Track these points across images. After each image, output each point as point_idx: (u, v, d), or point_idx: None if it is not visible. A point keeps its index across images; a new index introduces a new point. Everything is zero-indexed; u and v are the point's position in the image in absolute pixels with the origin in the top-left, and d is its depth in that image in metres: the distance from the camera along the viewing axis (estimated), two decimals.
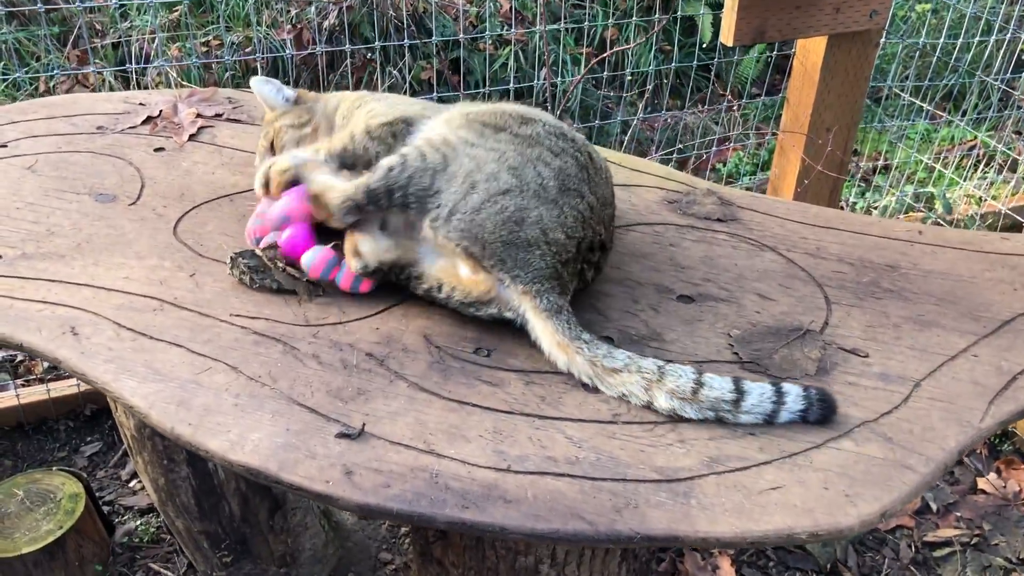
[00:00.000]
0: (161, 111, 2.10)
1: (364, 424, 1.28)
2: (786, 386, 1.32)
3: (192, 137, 2.02)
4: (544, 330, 1.39)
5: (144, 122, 2.07)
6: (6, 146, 1.94)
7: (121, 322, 1.45)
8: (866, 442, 1.29)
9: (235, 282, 1.55)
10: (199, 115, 2.09)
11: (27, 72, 4.34)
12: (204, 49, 4.62)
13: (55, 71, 3.95)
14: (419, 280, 1.50)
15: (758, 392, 1.30)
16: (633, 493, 1.19)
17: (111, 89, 4.37)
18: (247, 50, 4.61)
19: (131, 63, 4.32)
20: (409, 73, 4.60)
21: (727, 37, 2.87)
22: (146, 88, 4.37)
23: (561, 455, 1.24)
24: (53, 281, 1.53)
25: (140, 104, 2.15)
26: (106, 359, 1.37)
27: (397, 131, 1.64)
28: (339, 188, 1.53)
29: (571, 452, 1.25)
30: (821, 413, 1.31)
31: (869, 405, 1.36)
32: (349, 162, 1.63)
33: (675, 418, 1.32)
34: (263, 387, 1.34)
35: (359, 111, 1.74)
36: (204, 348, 1.40)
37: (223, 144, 2.01)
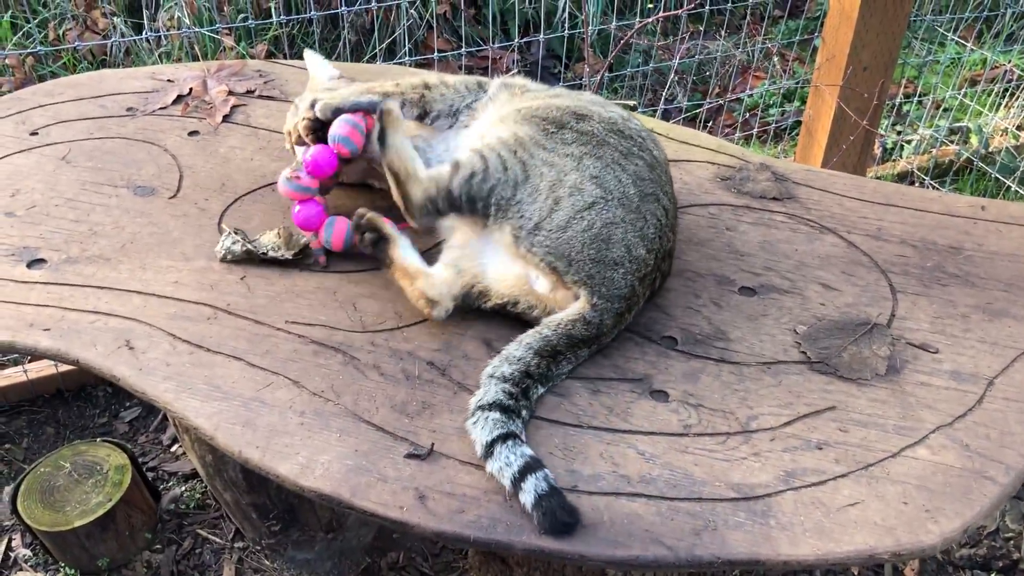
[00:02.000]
0: (191, 89, 2.03)
1: (433, 444, 1.26)
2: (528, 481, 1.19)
3: (226, 118, 1.96)
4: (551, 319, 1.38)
5: (175, 101, 2.01)
6: (37, 134, 1.89)
7: (176, 333, 1.42)
8: (942, 450, 1.27)
9: (289, 285, 1.52)
10: (230, 92, 2.03)
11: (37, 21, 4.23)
12: None
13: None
14: (485, 297, 1.46)
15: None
16: (711, 513, 1.18)
17: (122, 35, 4.27)
18: None
19: (144, 8, 4.20)
20: (426, 10, 4.45)
21: None
22: (158, 33, 4.27)
23: (635, 473, 1.23)
24: (102, 288, 1.51)
25: (168, 81, 2.08)
26: (165, 376, 1.35)
27: (470, 86, 1.63)
28: (422, 182, 1.45)
29: (644, 469, 1.23)
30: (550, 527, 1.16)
31: (943, 408, 1.34)
32: (424, 110, 1.61)
33: (747, 429, 1.30)
34: (327, 403, 1.32)
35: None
36: (264, 361, 1.38)
37: (258, 125, 1.95)
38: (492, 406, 1.25)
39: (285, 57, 4.22)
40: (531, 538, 1.15)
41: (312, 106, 1.58)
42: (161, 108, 1.99)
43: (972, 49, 4.47)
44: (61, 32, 4.36)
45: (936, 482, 1.22)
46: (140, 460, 2.73)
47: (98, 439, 2.59)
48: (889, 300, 1.53)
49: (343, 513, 2.46)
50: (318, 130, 1.58)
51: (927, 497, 1.20)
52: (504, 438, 1.21)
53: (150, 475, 2.75)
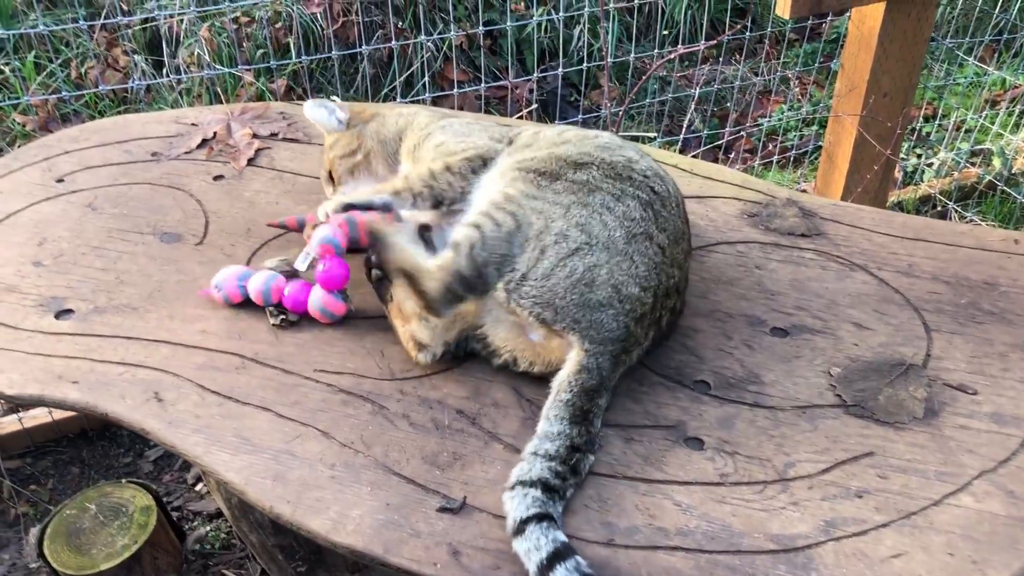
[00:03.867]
0: (215, 133, 2.04)
1: (465, 497, 1.24)
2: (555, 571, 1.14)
3: (250, 161, 1.96)
4: (562, 382, 1.35)
5: (199, 145, 2.02)
6: (63, 180, 1.90)
7: (205, 384, 1.42)
8: (986, 497, 1.24)
9: (316, 332, 1.52)
10: (254, 135, 2.04)
11: (59, 62, 4.28)
12: (234, 27, 4.53)
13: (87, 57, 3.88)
14: (487, 350, 1.45)
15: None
16: (751, 567, 1.15)
17: (143, 73, 4.31)
18: (277, 26, 4.51)
19: (165, 46, 4.25)
20: (442, 42, 4.48)
21: (783, 9, 2.76)
22: (178, 70, 4.31)
23: (672, 525, 1.21)
24: (130, 339, 1.50)
25: (192, 124, 2.09)
26: (194, 428, 1.35)
27: (476, 167, 1.59)
28: (434, 274, 1.41)
29: (681, 521, 1.21)
30: None
31: (985, 452, 1.31)
32: (437, 200, 1.58)
33: (784, 476, 1.27)
34: (357, 455, 1.31)
35: (426, 143, 1.69)
36: (292, 411, 1.37)
37: (283, 168, 1.95)
38: (536, 483, 1.22)
39: (305, 92, 4.25)
40: None
41: (326, 213, 1.59)
42: (186, 152, 2.00)
43: (990, 71, 4.44)
44: (84, 70, 4.41)
45: (982, 531, 1.20)
46: (165, 500, 2.72)
47: (123, 480, 2.58)
48: (923, 339, 1.51)
49: None
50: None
51: (973, 547, 1.17)
52: (539, 518, 1.18)
53: (175, 515, 2.74)
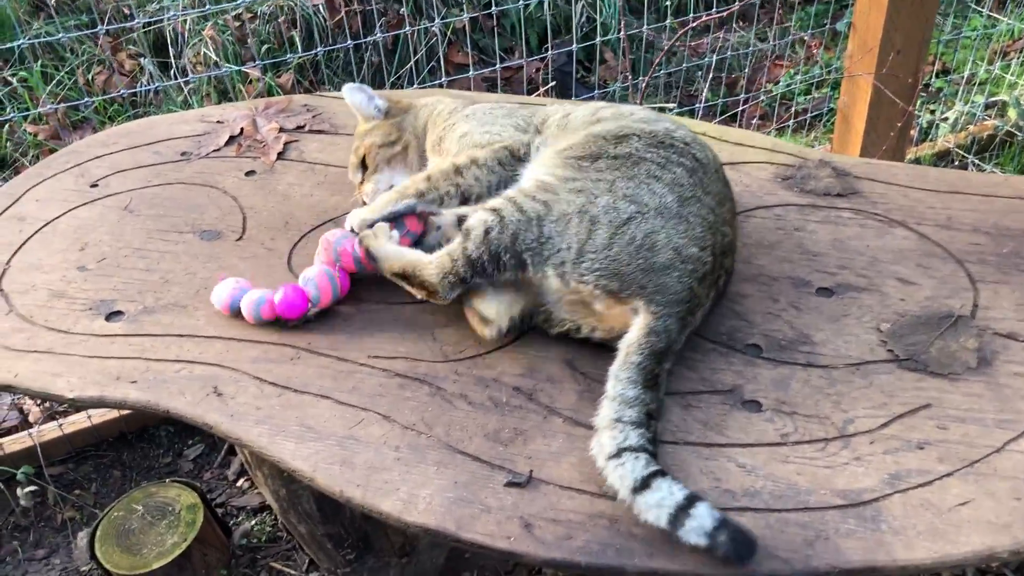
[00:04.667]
0: (242, 129, 2.05)
1: (531, 471, 1.26)
2: (697, 508, 1.15)
3: (280, 155, 1.97)
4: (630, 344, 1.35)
5: (227, 143, 2.03)
6: (97, 185, 1.91)
7: (262, 376, 1.43)
8: None
9: (366, 320, 1.53)
10: (281, 129, 2.04)
11: (65, 69, 4.28)
12: (237, 23, 4.52)
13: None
14: (548, 323, 1.46)
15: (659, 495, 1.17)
16: (820, 523, 1.17)
17: (150, 77, 4.31)
18: (280, 20, 4.51)
19: (170, 47, 4.25)
20: (441, 21, 4.46)
21: None
22: (184, 71, 4.31)
23: (738, 487, 1.22)
24: (183, 336, 1.52)
25: (218, 122, 2.10)
26: (256, 420, 1.36)
27: (503, 159, 1.59)
28: (432, 263, 1.44)
29: (747, 483, 1.22)
30: (728, 555, 1.14)
31: None
32: (465, 197, 1.58)
33: (845, 433, 1.29)
34: (420, 436, 1.32)
35: (450, 134, 1.69)
36: (351, 397, 1.39)
37: (313, 160, 1.96)
38: (639, 450, 1.22)
39: (313, 85, 4.25)
40: (643, 560, 1.14)
41: (352, 230, 1.58)
42: (215, 150, 2.01)
43: (997, 20, 4.42)
44: (90, 76, 4.41)
45: None
46: (208, 497, 2.75)
47: (167, 480, 2.61)
48: (969, 291, 1.51)
49: (415, 536, 2.47)
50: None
51: None
52: (662, 474, 1.19)
53: (219, 511, 2.77)
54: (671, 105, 3.80)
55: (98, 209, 1.84)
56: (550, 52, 3.28)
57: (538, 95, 3.61)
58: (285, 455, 1.31)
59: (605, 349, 1.41)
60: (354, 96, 1.78)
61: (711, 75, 4.30)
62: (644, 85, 2.86)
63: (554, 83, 3.92)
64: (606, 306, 1.39)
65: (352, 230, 1.57)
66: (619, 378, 1.32)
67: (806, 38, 4.78)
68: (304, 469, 1.29)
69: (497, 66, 3.21)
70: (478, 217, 1.44)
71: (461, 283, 1.43)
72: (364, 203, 1.73)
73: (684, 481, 1.22)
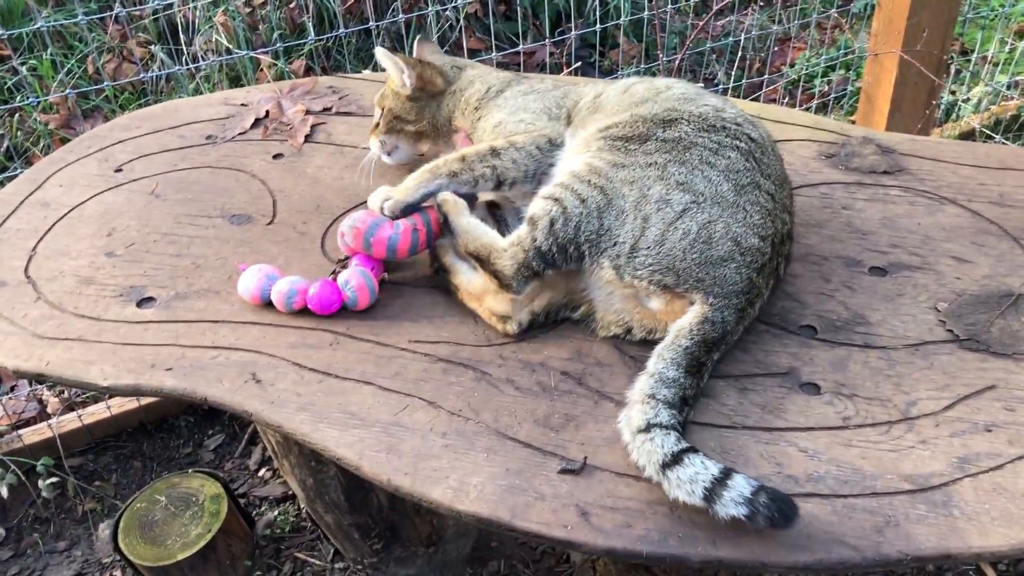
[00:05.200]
0: (267, 111, 2.00)
1: (585, 457, 1.22)
2: (733, 479, 1.11)
3: (307, 138, 1.93)
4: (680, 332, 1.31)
5: (253, 125, 1.98)
6: (121, 170, 1.87)
7: (301, 362, 1.39)
8: None
9: (404, 304, 1.49)
10: (307, 111, 2.00)
11: (75, 57, 4.23)
12: (248, 10, 4.47)
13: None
14: (595, 323, 1.41)
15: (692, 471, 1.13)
16: (889, 508, 1.13)
17: (162, 64, 4.26)
18: (291, 6, 4.46)
19: (181, 33, 4.20)
20: (454, 3, 4.41)
21: None
22: (195, 58, 4.26)
23: (801, 472, 1.18)
24: (217, 322, 1.48)
25: (242, 105, 2.05)
26: (298, 407, 1.32)
27: (541, 145, 1.55)
28: (506, 251, 1.39)
29: (811, 468, 1.18)
30: (771, 517, 1.08)
31: None
32: (500, 180, 1.53)
33: (908, 415, 1.24)
34: (467, 422, 1.28)
35: (482, 123, 1.64)
36: (395, 383, 1.35)
37: (341, 143, 1.92)
38: (670, 428, 1.19)
39: (325, 71, 4.20)
40: (707, 549, 1.10)
41: (382, 207, 1.52)
42: (240, 133, 1.96)
43: (1015, 0, 4.35)
44: (100, 64, 4.37)
45: None
46: (230, 487, 2.71)
47: (190, 470, 2.57)
48: None
49: (443, 525, 2.44)
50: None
51: None
52: (695, 450, 1.15)
53: (241, 501, 2.73)
54: (699, 85, 3.73)
55: (124, 194, 1.80)
56: (573, 32, 3.22)
57: (565, 73, 3.56)
58: (329, 443, 1.27)
59: None
60: (386, 62, 1.75)
61: (728, 57, 4.25)
62: (673, 70, 2.80)
63: (578, 64, 3.86)
64: (664, 302, 1.34)
65: (382, 212, 1.52)
66: (663, 357, 1.28)
67: (824, 20, 4.72)
68: (350, 457, 1.25)
69: (520, 47, 3.15)
70: (540, 206, 1.39)
71: (534, 276, 1.39)
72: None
73: (744, 467, 1.19)
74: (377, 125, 1.78)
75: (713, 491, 1.09)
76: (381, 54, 1.73)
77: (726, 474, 1.10)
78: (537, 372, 1.36)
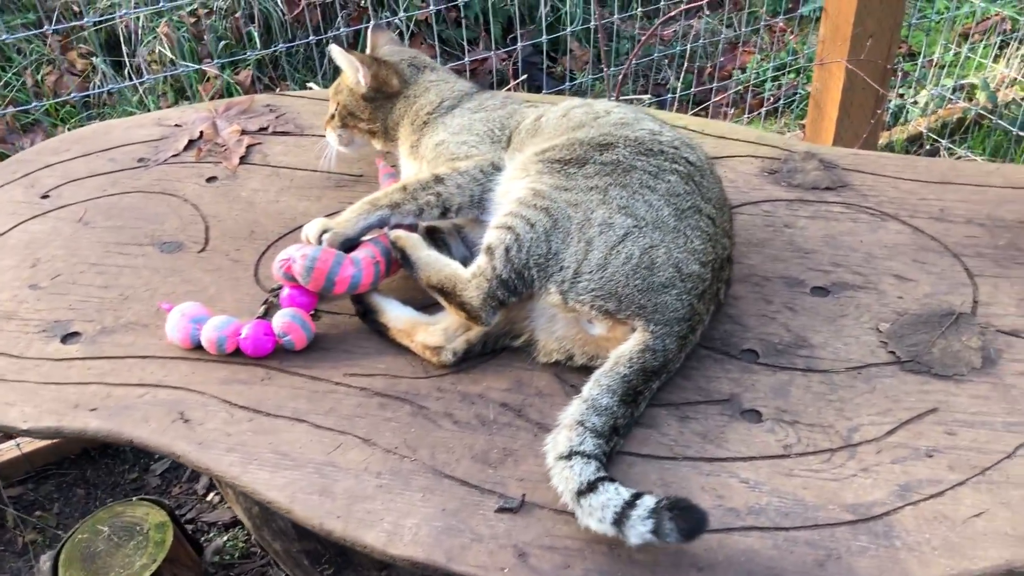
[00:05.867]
0: (202, 132, 1.95)
1: (524, 495, 1.19)
2: (642, 499, 1.09)
3: (243, 160, 1.88)
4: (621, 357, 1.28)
5: (186, 147, 1.92)
6: (48, 196, 1.80)
7: (232, 400, 1.34)
8: None
9: (340, 335, 1.45)
10: (243, 131, 1.95)
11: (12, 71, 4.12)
12: (192, 20, 4.38)
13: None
14: (544, 352, 1.37)
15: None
16: (831, 541, 1.11)
17: (103, 76, 4.16)
18: (235, 15, 4.38)
19: (123, 45, 4.11)
20: (405, 14, 4.36)
21: None
22: (139, 69, 4.17)
23: (742, 505, 1.16)
24: (145, 357, 1.43)
25: (176, 125, 1.99)
26: (227, 447, 1.27)
27: (486, 170, 1.51)
28: (471, 282, 1.35)
29: (752, 500, 1.16)
30: (680, 532, 1.07)
31: None
32: (445, 208, 1.49)
33: (850, 442, 1.23)
34: (403, 460, 1.24)
35: (426, 139, 1.61)
36: (328, 420, 1.30)
37: (278, 164, 1.87)
38: (592, 458, 1.16)
39: (272, 81, 4.13)
40: None
41: (320, 239, 1.46)
42: (173, 156, 1.90)
43: (961, 2, 4.41)
44: (40, 77, 4.25)
45: None
46: (177, 513, 2.64)
47: (134, 498, 2.50)
48: (968, 286, 1.46)
49: None
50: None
51: None
52: (612, 480, 1.13)
53: (189, 527, 2.67)
54: (645, 97, 3.73)
55: (50, 222, 1.74)
56: (520, 43, 3.19)
57: (508, 89, 3.52)
58: (259, 485, 1.22)
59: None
60: (341, 60, 1.71)
61: (679, 62, 4.25)
62: (621, 77, 2.78)
63: (524, 76, 3.83)
64: (606, 327, 1.31)
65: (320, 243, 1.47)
66: (599, 383, 1.25)
67: (774, 24, 4.74)
68: (280, 500, 1.20)
69: (466, 59, 3.11)
70: (495, 235, 1.35)
71: (500, 306, 1.35)
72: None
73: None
74: (332, 117, 1.76)
75: (622, 514, 1.08)
76: (336, 52, 1.68)
77: (636, 496, 1.09)
78: (476, 404, 1.32)
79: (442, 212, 1.48)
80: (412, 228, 1.50)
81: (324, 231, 1.47)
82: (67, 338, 1.47)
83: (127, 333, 1.47)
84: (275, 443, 1.27)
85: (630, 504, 1.08)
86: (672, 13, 2.98)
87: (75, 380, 1.39)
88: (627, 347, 1.28)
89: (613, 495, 1.10)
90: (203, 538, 2.66)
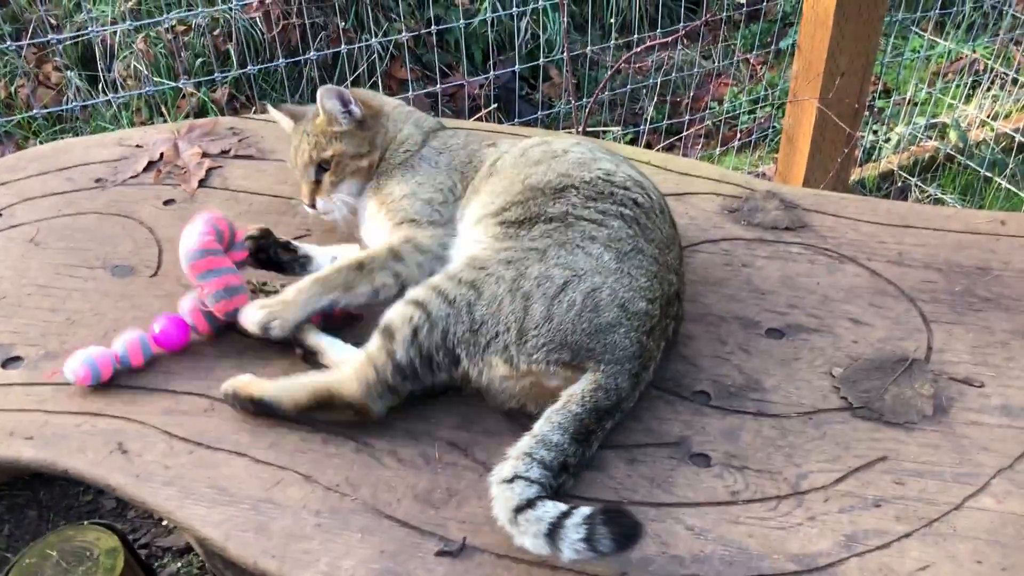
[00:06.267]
0: (162, 154, 1.92)
1: (465, 538, 1.16)
2: (577, 509, 1.09)
3: (202, 183, 1.85)
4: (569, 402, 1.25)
5: (146, 168, 1.90)
6: (1, 215, 1.77)
7: (172, 431, 1.31)
8: (1007, 497, 1.19)
9: (286, 365, 1.42)
10: (204, 154, 1.92)
11: None
12: (170, 36, 4.36)
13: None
14: (497, 404, 1.33)
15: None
16: None
17: (77, 90, 4.13)
18: (215, 33, 4.36)
19: (99, 60, 4.07)
20: (384, 38, 4.35)
21: None
22: (115, 84, 4.14)
23: (687, 552, 1.14)
24: (87, 385, 1.39)
25: (137, 146, 1.97)
26: (165, 481, 1.24)
27: (446, 243, 1.48)
28: (347, 377, 1.28)
29: (696, 547, 1.14)
30: (613, 539, 1.07)
31: (999, 448, 1.26)
32: (403, 287, 1.41)
33: (798, 490, 1.21)
34: (344, 498, 1.22)
35: (391, 184, 1.57)
36: (270, 455, 1.28)
37: (237, 188, 1.84)
38: (534, 482, 1.14)
39: (249, 100, 4.11)
40: None
41: (267, 329, 1.40)
42: (132, 177, 1.88)
43: (935, 42, 4.45)
44: (13, 89, 4.21)
45: (1007, 535, 1.15)
46: (131, 537, 2.59)
47: (85, 522, 2.45)
48: (923, 331, 1.46)
49: None
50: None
51: (1001, 553, 1.12)
52: (548, 499, 1.12)
53: (143, 552, 2.61)
54: (615, 129, 3.74)
55: (1, 241, 1.70)
56: (492, 72, 3.19)
57: (479, 117, 3.52)
58: (195, 521, 1.19)
59: None
60: (329, 102, 1.57)
61: (656, 91, 4.27)
62: (588, 107, 2.78)
63: (496, 104, 3.83)
64: (564, 380, 1.28)
65: (267, 335, 1.41)
66: (550, 420, 1.23)
67: (749, 58, 4.78)
68: (215, 537, 1.17)
69: (438, 87, 3.11)
70: (400, 313, 1.30)
71: (391, 392, 1.29)
72: (311, 207, 1.60)
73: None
74: (317, 184, 1.60)
75: (557, 524, 1.07)
76: (323, 92, 1.56)
77: (573, 508, 1.08)
78: (422, 442, 1.30)
79: (399, 292, 1.40)
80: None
81: (271, 320, 1.39)
82: (8, 362, 1.44)
83: None
84: (214, 477, 1.24)
85: (565, 514, 1.08)
86: (647, 44, 2.99)
87: (13, 407, 1.36)
88: (579, 386, 1.26)
89: (550, 508, 1.09)
90: (157, 564, 2.60)
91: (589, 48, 3.29)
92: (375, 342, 1.30)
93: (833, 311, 1.50)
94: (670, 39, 3.06)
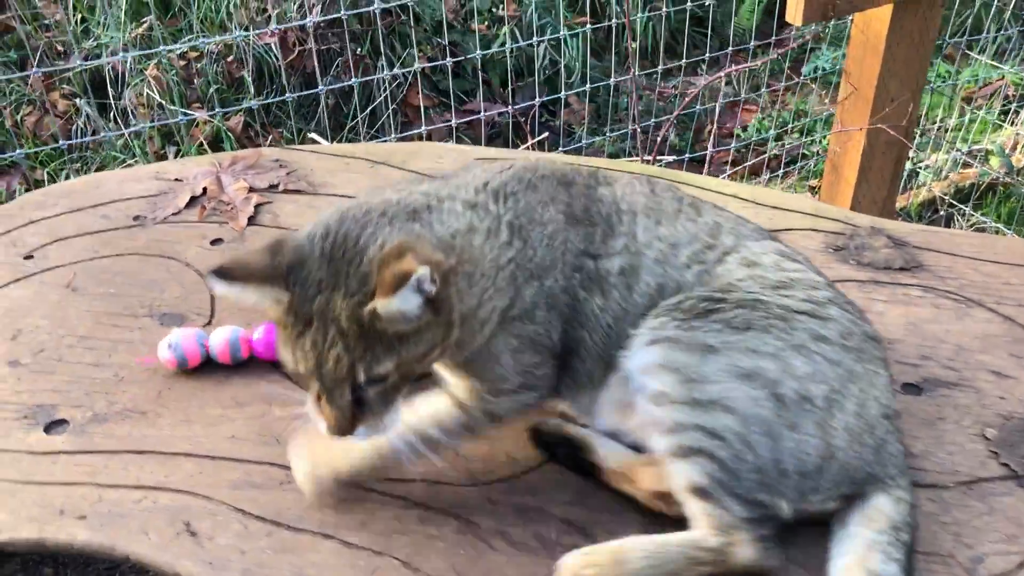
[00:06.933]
0: (205, 188, 1.77)
1: None
2: None
3: (251, 220, 1.70)
4: None
5: (188, 205, 1.74)
6: (32, 257, 1.61)
7: (245, 508, 1.15)
8: None
9: None
10: (251, 189, 1.77)
11: None
12: (183, 63, 4.21)
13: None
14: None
15: None
16: None
17: (87, 119, 3.98)
18: (228, 59, 4.22)
19: (109, 87, 3.93)
20: (401, 69, 4.22)
21: (795, 16, 2.62)
22: (125, 112, 4.00)
23: None
24: (143, 453, 1.23)
25: (176, 180, 1.81)
26: (242, 568, 1.08)
27: None
28: (729, 547, 1.05)
29: None
30: None
31: None
32: None
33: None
34: None
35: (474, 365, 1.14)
36: (362, 537, 1.11)
37: (289, 225, 1.69)
38: None
39: (264, 128, 3.97)
40: None
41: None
42: (174, 214, 1.72)
43: (960, 68, 4.36)
44: (19, 118, 4.06)
45: None
46: None
47: None
48: None
49: None
50: None
51: None
52: None
53: None
54: (667, 157, 3.61)
55: (34, 286, 1.54)
56: (510, 108, 3.06)
57: (526, 147, 3.39)
58: None
59: None
60: (407, 305, 0.97)
61: (681, 121, 4.15)
62: (658, 139, 2.64)
63: (547, 135, 3.69)
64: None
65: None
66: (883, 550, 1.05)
67: (774, 83, 4.66)
68: None
69: (453, 121, 2.96)
70: (687, 471, 1.05)
71: (772, 539, 1.06)
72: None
73: None
74: (358, 405, 1.02)
75: None
76: (399, 299, 0.95)
77: None
78: (535, 521, 1.14)
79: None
80: None
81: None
82: (51, 426, 1.28)
83: (122, 422, 1.28)
84: (298, 565, 1.08)
85: None
86: (722, 73, 2.87)
87: (60, 479, 1.19)
88: (890, 510, 1.08)
89: None
90: None
91: (613, 78, 3.15)
92: (696, 508, 1.06)
93: (970, 363, 1.35)
94: (735, 69, 2.93)
